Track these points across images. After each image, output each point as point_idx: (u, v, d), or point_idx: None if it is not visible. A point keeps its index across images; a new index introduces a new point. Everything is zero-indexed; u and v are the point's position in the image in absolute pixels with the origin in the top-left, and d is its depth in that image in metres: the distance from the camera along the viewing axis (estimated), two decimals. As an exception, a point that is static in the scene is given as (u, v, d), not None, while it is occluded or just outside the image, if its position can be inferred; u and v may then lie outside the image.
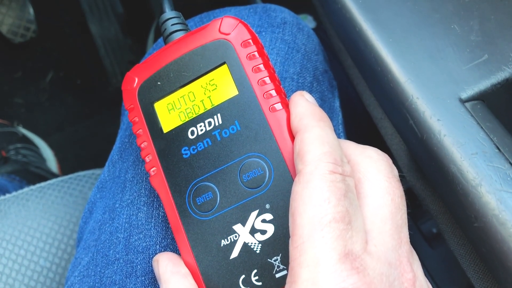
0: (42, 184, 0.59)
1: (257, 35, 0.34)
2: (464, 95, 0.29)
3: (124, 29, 1.20)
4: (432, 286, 0.53)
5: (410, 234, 0.26)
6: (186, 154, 0.30)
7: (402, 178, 0.31)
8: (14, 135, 0.97)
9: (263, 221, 0.27)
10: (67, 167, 1.05)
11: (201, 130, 0.29)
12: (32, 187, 0.58)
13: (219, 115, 0.29)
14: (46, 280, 0.52)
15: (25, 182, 0.80)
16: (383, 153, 0.28)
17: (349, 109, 0.55)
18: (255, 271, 0.27)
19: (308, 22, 0.95)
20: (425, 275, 0.53)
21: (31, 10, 1.14)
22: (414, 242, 0.56)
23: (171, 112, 0.30)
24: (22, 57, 1.19)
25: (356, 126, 0.56)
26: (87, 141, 1.14)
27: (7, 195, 0.58)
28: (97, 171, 0.62)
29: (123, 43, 1.20)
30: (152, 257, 0.32)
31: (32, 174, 0.85)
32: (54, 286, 0.52)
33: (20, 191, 0.58)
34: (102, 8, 1.19)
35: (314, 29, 0.62)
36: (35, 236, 0.53)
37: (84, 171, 0.62)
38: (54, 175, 0.91)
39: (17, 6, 1.13)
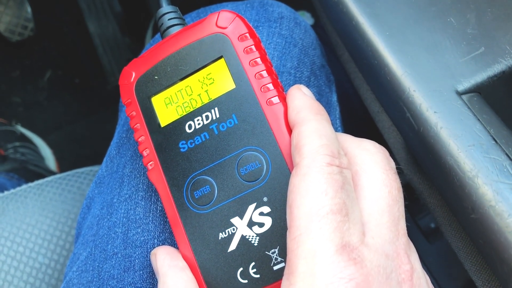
0: (40, 181, 0.59)
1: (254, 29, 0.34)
2: (460, 88, 0.29)
3: (122, 28, 1.20)
4: (430, 280, 0.53)
5: (407, 227, 0.26)
6: (184, 148, 0.30)
7: (400, 172, 0.31)
8: (13, 134, 0.97)
9: (261, 214, 0.27)
10: (65, 166, 1.05)
11: (199, 124, 0.30)
12: (31, 184, 0.58)
13: (216, 109, 0.29)
14: (45, 277, 0.52)
15: (24, 181, 0.80)
16: (380, 146, 0.28)
17: (347, 103, 0.55)
18: (253, 263, 0.27)
19: (306, 19, 0.95)
20: (423, 269, 0.54)
21: (29, 9, 1.14)
22: (412, 237, 0.56)
23: (168, 106, 0.30)
24: (20, 56, 1.19)
25: (354, 120, 0.56)
26: (86, 139, 1.14)
27: (6, 192, 0.58)
28: (95, 168, 0.62)
29: (121, 42, 1.20)
30: (150, 251, 0.32)
31: (30, 172, 0.85)
32: (53, 282, 0.52)
33: (18, 188, 0.58)
34: (100, 7, 1.19)
35: (312, 26, 0.62)
36: (33, 233, 0.53)
37: (82, 168, 0.62)
38: (53, 174, 0.91)
39: (15, 4, 1.13)
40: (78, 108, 1.17)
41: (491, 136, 0.27)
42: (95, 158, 0.80)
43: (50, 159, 1.01)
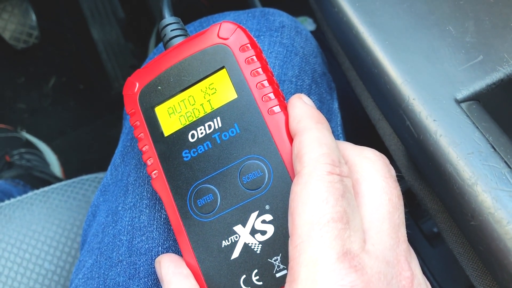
0: (46, 188, 0.59)
1: (255, 39, 0.35)
2: (459, 96, 0.29)
3: (125, 34, 1.20)
4: (434, 284, 0.53)
5: (409, 233, 0.26)
6: (187, 157, 0.30)
7: (401, 179, 0.31)
8: (18, 140, 0.98)
9: (263, 221, 0.28)
10: (70, 171, 1.06)
11: (201, 133, 0.30)
12: (36, 191, 0.59)
13: (218, 118, 0.30)
14: (51, 283, 0.52)
15: (29, 187, 0.81)
16: (380, 153, 0.28)
17: (350, 110, 0.56)
18: (256, 271, 0.27)
19: (308, 24, 0.95)
20: (426, 274, 0.54)
21: (33, 16, 1.15)
22: (415, 241, 0.56)
23: (171, 116, 0.31)
24: (24, 63, 1.20)
25: (357, 127, 0.56)
26: (90, 145, 1.14)
27: (12, 200, 0.58)
28: (100, 175, 0.62)
29: (124, 48, 1.20)
30: (155, 259, 0.32)
31: (36, 178, 0.86)
32: (58, 289, 0.52)
33: (24, 196, 0.58)
34: (104, 13, 1.20)
35: (314, 31, 0.62)
36: (39, 240, 0.54)
37: (87, 175, 0.63)
38: (58, 179, 0.92)
39: (20, 12, 1.14)
40: (82, 114, 1.18)
41: (490, 144, 0.27)
42: (100, 163, 0.81)
43: (55, 165, 1.02)
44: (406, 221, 0.27)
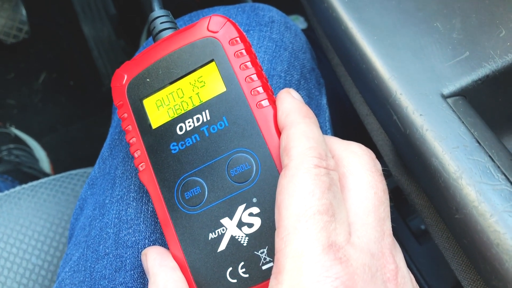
0: (34, 182, 0.59)
1: (245, 33, 0.35)
2: (446, 91, 0.29)
3: (117, 31, 1.20)
4: (421, 281, 0.54)
5: (394, 226, 0.27)
6: (175, 149, 0.30)
7: (389, 176, 0.32)
8: (7, 136, 0.97)
9: (250, 214, 0.28)
10: (60, 168, 1.05)
11: (190, 126, 0.30)
12: (24, 185, 0.59)
13: (207, 111, 0.30)
14: (38, 278, 0.52)
15: (18, 182, 0.80)
16: (367, 148, 0.28)
17: (339, 106, 0.56)
18: (242, 263, 0.27)
19: (300, 23, 0.95)
20: (413, 270, 0.54)
21: (24, 11, 1.14)
22: (402, 238, 0.56)
23: (159, 108, 0.31)
24: (14, 58, 1.19)
25: (345, 123, 0.56)
26: (80, 141, 1.14)
27: (-1, 194, 0.58)
28: (88, 170, 0.62)
29: (115, 44, 1.20)
30: (141, 252, 0.32)
31: (24, 174, 0.86)
32: (46, 284, 0.52)
33: (12, 190, 0.58)
34: (95, 9, 1.19)
35: (306, 30, 0.63)
36: (27, 234, 0.53)
37: (76, 169, 0.62)
38: (47, 176, 0.91)
39: (10, 7, 1.13)
40: (72, 110, 1.17)
41: (475, 138, 0.27)
42: (90, 160, 0.80)
43: (44, 161, 1.02)
44: (391, 215, 0.27)
